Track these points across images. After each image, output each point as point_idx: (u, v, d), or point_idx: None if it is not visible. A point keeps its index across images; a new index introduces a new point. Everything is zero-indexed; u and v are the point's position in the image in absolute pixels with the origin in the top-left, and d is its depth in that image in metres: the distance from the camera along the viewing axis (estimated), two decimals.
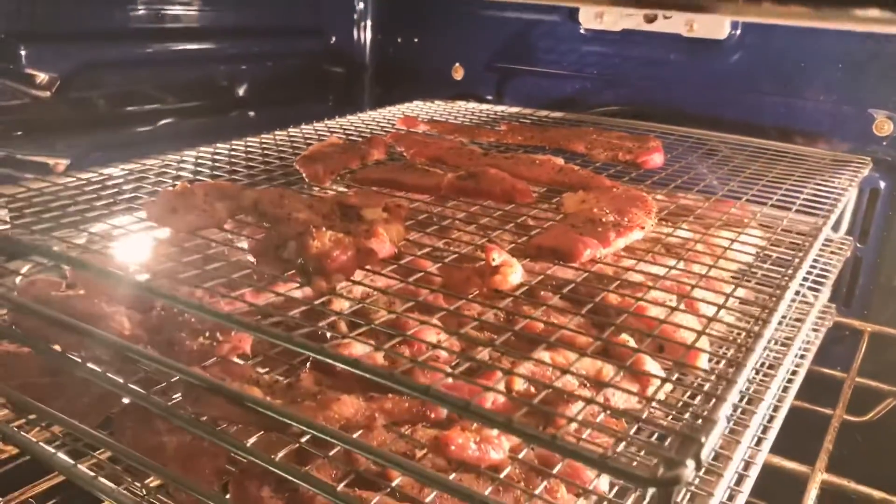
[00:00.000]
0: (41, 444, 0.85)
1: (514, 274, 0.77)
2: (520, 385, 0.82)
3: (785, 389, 1.13)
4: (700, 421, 0.57)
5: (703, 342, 0.82)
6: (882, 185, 1.45)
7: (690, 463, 0.53)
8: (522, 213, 1.01)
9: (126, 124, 1.55)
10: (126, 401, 0.89)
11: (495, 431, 0.73)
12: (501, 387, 0.80)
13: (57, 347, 0.84)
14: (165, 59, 1.59)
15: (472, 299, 0.77)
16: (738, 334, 0.79)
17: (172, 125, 1.61)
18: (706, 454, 0.54)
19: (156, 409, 0.76)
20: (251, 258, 0.87)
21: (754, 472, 0.88)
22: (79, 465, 0.81)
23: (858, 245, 1.47)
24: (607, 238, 0.86)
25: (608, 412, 0.77)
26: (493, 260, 0.77)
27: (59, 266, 1.03)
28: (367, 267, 0.82)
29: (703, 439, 0.55)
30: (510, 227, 0.96)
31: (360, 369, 0.65)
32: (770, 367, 1.00)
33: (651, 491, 0.54)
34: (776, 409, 1.05)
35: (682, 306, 0.80)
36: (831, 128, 1.48)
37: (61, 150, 1.39)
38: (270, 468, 0.70)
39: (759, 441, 0.95)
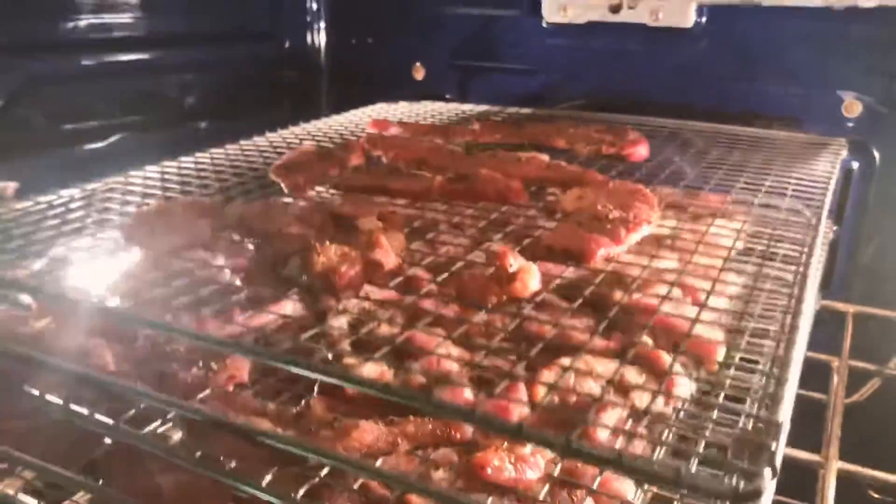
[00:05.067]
0: (20, 495, 0.77)
1: (534, 279, 0.73)
2: (543, 395, 0.77)
3: None
4: (761, 425, 0.54)
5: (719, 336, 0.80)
6: (855, 165, 1.45)
7: (768, 472, 0.49)
8: (519, 214, 0.97)
9: (73, 143, 1.46)
10: (109, 441, 0.82)
11: (529, 449, 0.68)
12: (524, 398, 0.76)
13: (35, 391, 0.76)
14: (112, 70, 1.51)
15: (492, 309, 0.72)
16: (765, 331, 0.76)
17: (124, 141, 1.52)
18: (778, 461, 0.51)
19: (159, 452, 0.69)
20: (238, 282, 0.81)
21: None
22: None
23: (834, 227, 1.48)
24: (619, 235, 0.83)
25: (639, 419, 0.73)
26: (510, 266, 0.73)
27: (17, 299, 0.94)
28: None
29: (773, 446, 0.51)
30: (510, 229, 0.92)
31: (389, 393, 0.60)
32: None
33: None
34: None
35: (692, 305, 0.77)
36: (801, 111, 1.48)
37: (5, 174, 1.29)
38: None
39: None
